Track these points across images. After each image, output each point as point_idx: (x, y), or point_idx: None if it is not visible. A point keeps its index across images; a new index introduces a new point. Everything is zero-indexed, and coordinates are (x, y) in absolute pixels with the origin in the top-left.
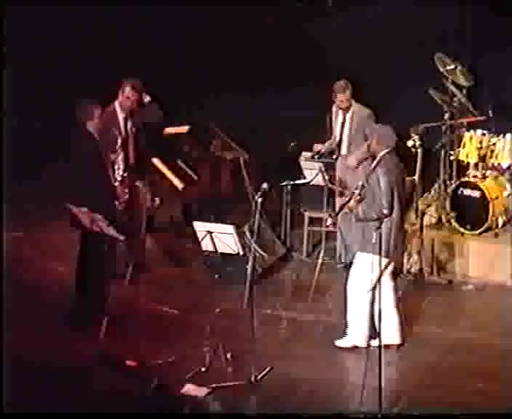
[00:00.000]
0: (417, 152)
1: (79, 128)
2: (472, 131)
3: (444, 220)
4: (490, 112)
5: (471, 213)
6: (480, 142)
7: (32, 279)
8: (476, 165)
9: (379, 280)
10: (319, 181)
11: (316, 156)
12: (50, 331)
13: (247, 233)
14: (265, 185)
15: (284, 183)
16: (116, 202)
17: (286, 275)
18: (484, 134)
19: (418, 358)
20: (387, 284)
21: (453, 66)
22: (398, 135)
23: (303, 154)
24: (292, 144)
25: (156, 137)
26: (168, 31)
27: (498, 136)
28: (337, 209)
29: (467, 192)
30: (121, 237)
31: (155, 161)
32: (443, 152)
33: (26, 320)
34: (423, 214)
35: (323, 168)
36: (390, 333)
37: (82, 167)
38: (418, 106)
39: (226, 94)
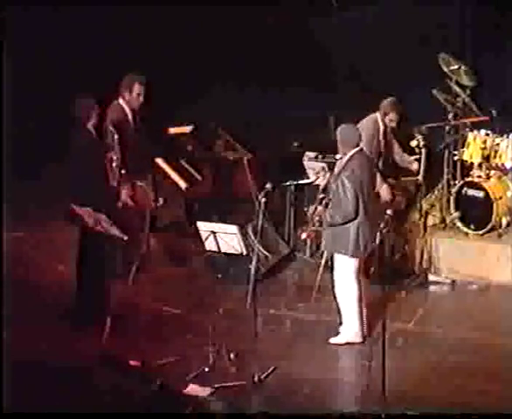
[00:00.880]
0: (421, 152)
1: (78, 127)
2: (476, 131)
3: (448, 220)
4: (494, 112)
5: (475, 213)
6: (484, 142)
7: (33, 279)
8: (480, 165)
9: (351, 279)
10: (322, 181)
11: (320, 156)
12: (51, 331)
13: (251, 233)
14: (268, 185)
15: (287, 183)
16: (114, 200)
17: (289, 275)
18: (488, 135)
19: (422, 358)
20: (352, 282)
21: (456, 66)
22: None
23: (307, 154)
24: (295, 144)
25: (160, 137)
26: (171, 30)
27: (502, 136)
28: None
29: (471, 192)
30: (125, 237)
31: (159, 160)
32: (447, 152)
33: (27, 320)
34: (426, 214)
35: (326, 168)
36: (351, 331)
37: (81, 165)
38: (422, 106)
39: (230, 94)
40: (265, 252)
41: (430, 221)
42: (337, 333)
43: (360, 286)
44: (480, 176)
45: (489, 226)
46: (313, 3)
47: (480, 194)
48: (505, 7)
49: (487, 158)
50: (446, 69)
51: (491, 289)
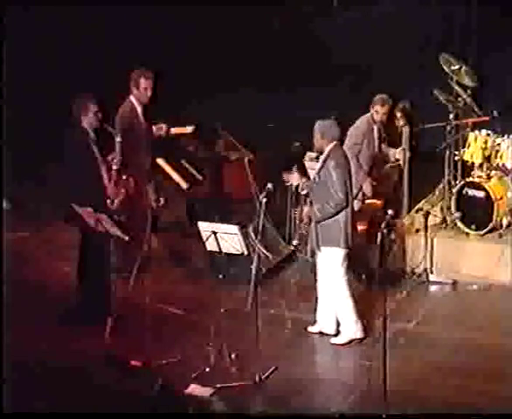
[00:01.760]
0: (402, 131)
1: (74, 126)
2: (477, 131)
3: (448, 220)
4: (495, 112)
5: (476, 213)
6: (485, 142)
7: (38, 279)
8: (481, 165)
9: (341, 273)
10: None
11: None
12: (52, 330)
13: (251, 233)
14: (269, 185)
15: (288, 183)
16: (108, 201)
17: (290, 275)
18: (489, 135)
19: (422, 358)
20: (343, 276)
21: (457, 66)
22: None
23: (308, 154)
24: (296, 144)
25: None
26: (173, 31)
27: (503, 136)
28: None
29: (472, 192)
30: (126, 238)
31: (160, 160)
32: (448, 152)
33: (28, 320)
34: (428, 214)
35: None
36: (351, 328)
37: (75, 165)
38: (424, 105)
39: (231, 94)
40: (266, 252)
41: (431, 221)
42: (337, 334)
43: (349, 280)
44: (480, 176)
45: (490, 226)
46: (315, 4)
47: (481, 194)
48: (507, 7)
49: (487, 158)
50: (447, 69)
51: (492, 289)
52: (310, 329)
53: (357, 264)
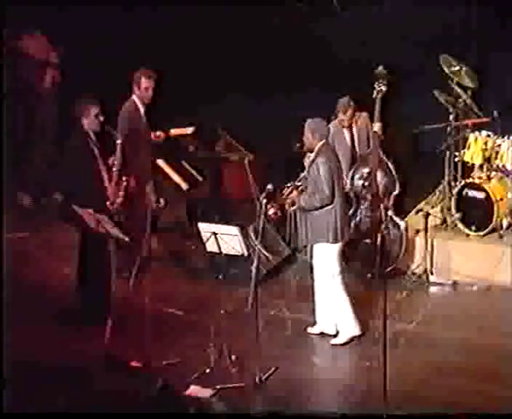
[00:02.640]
0: (375, 100)
1: (74, 127)
2: (477, 132)
3: (449, 221)
4: (495, 113)
5: (476, 214)
6: (485, 143)
7: (38, 279)
8: (481, 166)
9: (335, 270)
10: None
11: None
12: (52, 331)
13: (252, 234)
14: (269, 186)
15: (289, 184)
16: (109, 202)
17: (290, 276)
18: (489, 136)
19: (423, 358)
20: (337, 273)
21: (458, 67)
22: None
23: (308, 155)
24: (297, 145)
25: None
26: (173, 33)
27: (503, 137)
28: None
29: (472, 193)
30: (126, 238)
31: (160, 161)
32: (448, 153)
33: (29, 320)
34: (428, 215)
35: None
36: (349, 326)
37: (75, 164)
38: (424, 106)
39: (231, 95)
40: (266, 253)
41: (431, 222)
42: (337, 334)
43: (344, 277)
44: (481, 177)
45: (490, 227)
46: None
47: (481, 195)
48: (508, 8)
49: (488, 159)
50: (447, 70)
51: (492, 290)
52: (310, 330)
53: (363, 263)
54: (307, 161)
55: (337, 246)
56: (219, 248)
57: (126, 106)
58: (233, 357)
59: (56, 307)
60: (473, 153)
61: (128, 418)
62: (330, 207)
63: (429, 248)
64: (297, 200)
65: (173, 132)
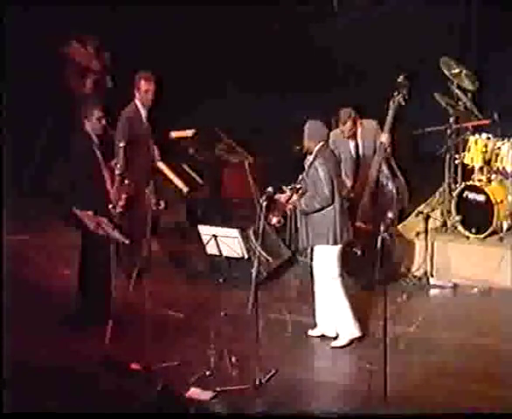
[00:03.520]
0: (389, 107)
1: (77, 130)
2: (477, 135)
3: (449, 224)
4: (495, 115)
5: (476, 217)
6: (486, 146)
7: (38, 281)
8: (481, 169)
9: (335, 271)
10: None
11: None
12: (53, 333)
13: (252, 237)
14: (270, 189)
15: (289, 187)
16: (110, 206)
17: (290, 278)
18: (489, 138)
19: (423, 361)
20: (336, 275)
21: (458, 70)
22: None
23: (308, 157)
24: (297, 148)
25: (161, 141)
26: (173, 34)
27: (503, 140)
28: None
29: (472, 196)
30: (126, 241)
31: (161, 164)
32: (448, 156)
33: (29, 322)
34: (428, 217)
35: None
36: (349, 328)
37: (77, 169)
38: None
39: (232, 97)
40: (266, 256)
41: (431, 224)
42: (337, 336)
43: (343, 280)
44: (481, 180)
45: (490, 230)
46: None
47: (482, 197)
48: (508, 10)
49: (488, 162)
50: (447, 73)
51: (492, 293)
52: (311, 333)
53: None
54: (307, 164)
55: (337, 248)
56: (220, 250)
57: (127, 109)
58: (233, 359)
59: (56, 309)
60: (473, 155)
61: None
62: (330, 208)
63: (429, 250)
64: (298, 203)
65: (173, 134)
